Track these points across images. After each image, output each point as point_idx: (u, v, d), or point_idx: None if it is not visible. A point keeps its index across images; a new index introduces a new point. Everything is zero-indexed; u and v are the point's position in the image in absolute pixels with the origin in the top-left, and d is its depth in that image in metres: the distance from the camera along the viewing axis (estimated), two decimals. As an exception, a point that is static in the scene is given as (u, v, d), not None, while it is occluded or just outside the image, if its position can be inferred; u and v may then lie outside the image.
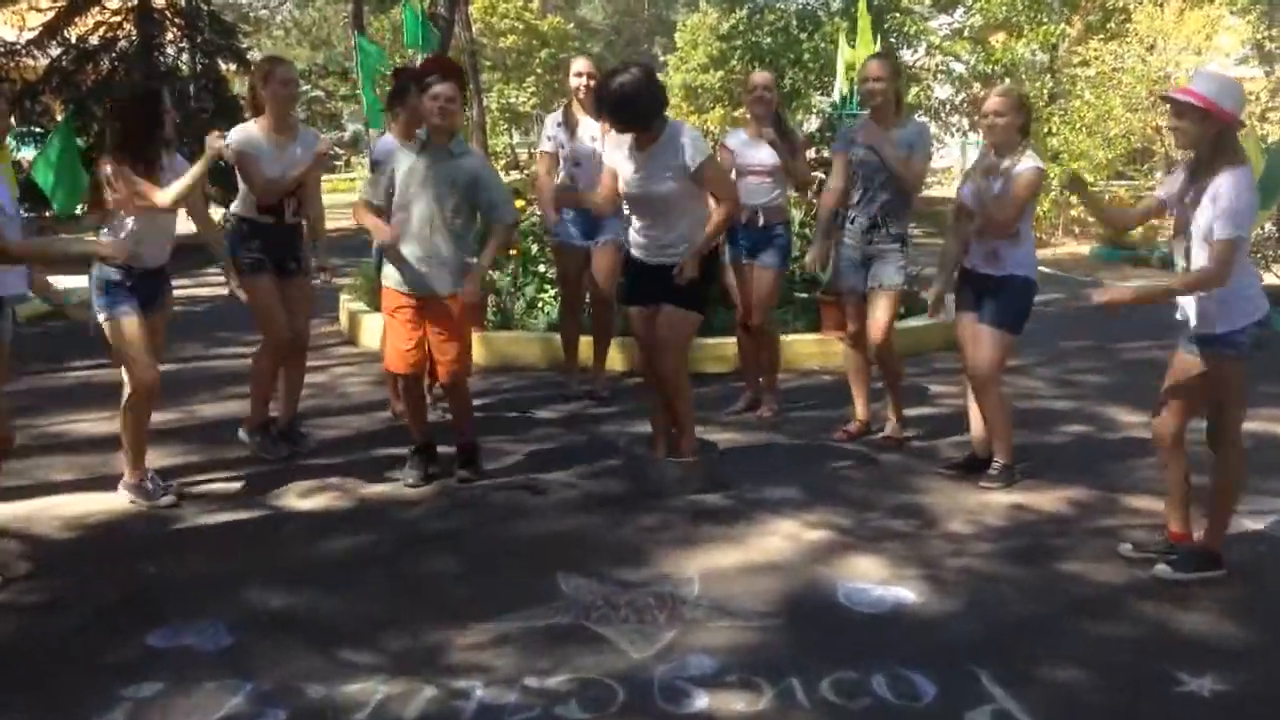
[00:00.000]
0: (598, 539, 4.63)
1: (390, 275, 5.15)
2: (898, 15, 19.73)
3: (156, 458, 5.33)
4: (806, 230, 8.80)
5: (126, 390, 4.89)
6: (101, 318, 4.82)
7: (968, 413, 5.51)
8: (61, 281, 6.54)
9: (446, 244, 5.05)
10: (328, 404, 6.77)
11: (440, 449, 5.41)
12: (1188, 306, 4.15)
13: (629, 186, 5.07)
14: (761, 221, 6.25)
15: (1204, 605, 3.99)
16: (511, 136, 36.70)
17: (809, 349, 7.78)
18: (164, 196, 4.77)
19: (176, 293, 10.10)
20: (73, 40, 15.04)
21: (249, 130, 5.42)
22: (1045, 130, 16.96)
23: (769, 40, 20.87)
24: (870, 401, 6.13)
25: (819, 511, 4.95)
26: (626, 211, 5.26)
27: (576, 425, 6.37)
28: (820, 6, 22.17)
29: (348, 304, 9.02)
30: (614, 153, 5.13)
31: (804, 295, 8.17)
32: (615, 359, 7.34)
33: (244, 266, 5.45)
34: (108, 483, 5.10)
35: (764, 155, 6.22)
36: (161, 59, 15.31)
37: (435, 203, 5.01)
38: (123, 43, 15.17)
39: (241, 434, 5.69)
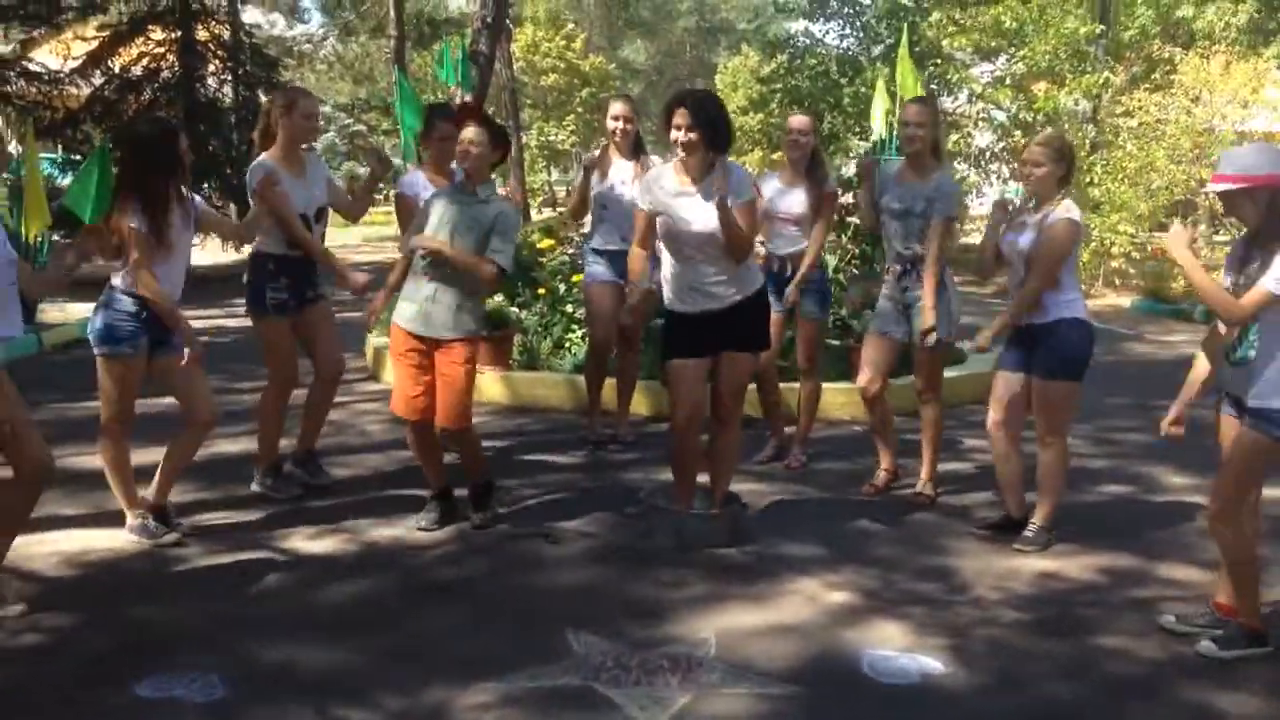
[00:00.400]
0: (612, 593, 4.46)
1: (400, 313, 5.02)
2: (939, 62, 19.59)
3: (172, 493, 5.21)
4: (840, 276, 8.66)
5: (102, 436, 4.77)
6: (98, 352, 4.69)
7: (996, 473, 5.30)
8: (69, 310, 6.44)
9: (460, 287, 4.93)
10: (346, 441, 6.65)
11: (458, 491, 5.25)
12: (1245, 378, 3.93)
13: (681, 224, 4.77)
14: (790, 271, 6.09)
15: (1251, 686, 3.76)
16: (550, 174, 36.87)
17: (839, 399, 7.58)
18: (147, 287, 4.59)
19: (204, 323, 10.30)
20: (116, 70, 15.19)
21: (270, 167, 5.31)
22: (1087, 180, 16.72)
23: (809, 84, 20.78)
24: (898, 454, 5.93)
25: (843, 571, 4.75)
26: (667, 259, 4.96)
27: (598, 471, 6.20)
28: (862, 52, 22.07)
29: (373, 339, 8.91)
30: (653, 193, 4.83)
31: (836, 343, 7.98)
32: (640, 403, 7.18)
33: (269, 307, 5.35)
34: (114, 519, 4.97)
35: (794, 202, 6.07)
36: (203, 90, 15.41)
37: (456, 241, 4.90)
38: (165, 74, 15.29)
39: (254, 485, 5.57)
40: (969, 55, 20.30)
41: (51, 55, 15.26)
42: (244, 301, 5.46)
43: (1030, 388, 5.06)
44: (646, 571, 4.69)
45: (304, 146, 5.51)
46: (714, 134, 4.67)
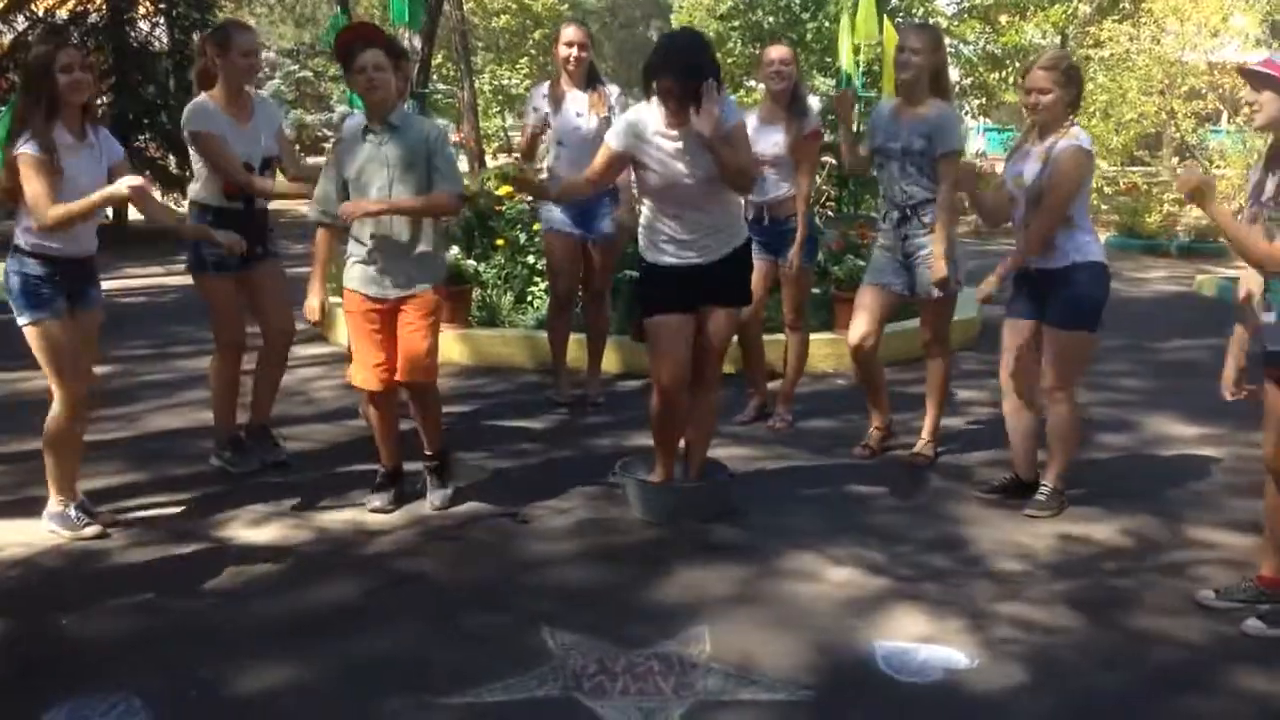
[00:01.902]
0: (590, 583, 3.98)
1: (351, 275, 4.49)
2: (904, -7, 19.01)
3: (91, 477, 4.68)
4: (816, 219, 8.16)
5: (55, 406, 4.21)
6: (22, 321, 4.13)
7: (1007, 429, 4.88)
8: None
9: (406, 235, 4.41)
10: (292, 410, 6.09)
11: (410, 467, 4.76)
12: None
13: (668, 176, 4.31)
14: (768, 218, 5.60)
15: (1310, 672, 3.37)
16: (505, 119, 35.94)
17: (822, 350, 7.12)
18: (41, 215, 3.97)
19: (140, 281, 9.67)
20: (40, 14, 14.29)
21: (206, 108, 4.74)
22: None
23: (770, 20, 20.11)
24: (889, 408, 5.50)
25: (844, 544, 4.32)
26: (648, 209, 4.48)
27: (567, 437, 5.71)
28: (824, -16, 21.36)
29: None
30: (632, 137, 4.34)
31: (816, 290, 7.50)
32: (609, 360, 6.69)
33: (208, 263, 4.80)
34: (31, 507, 4.42)
35: (771, 143, 5.56)
36: (133, 35, 14.55)
37: (388, 189, 4.36)
38: (93, 17, 14.41)
39: (213, 459, 5.05)
40: (935, -14, 19.73)
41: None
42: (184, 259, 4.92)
43: (1040, 336, 4.63)
44: (628, 555, 4.23)
45: (249, 89, 4.93)
46: (708, 78, 4.17)
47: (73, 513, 4.27)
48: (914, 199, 5.07)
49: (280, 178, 5.01)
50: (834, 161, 10.39)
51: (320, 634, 3.55)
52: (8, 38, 14.20)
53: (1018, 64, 17.32)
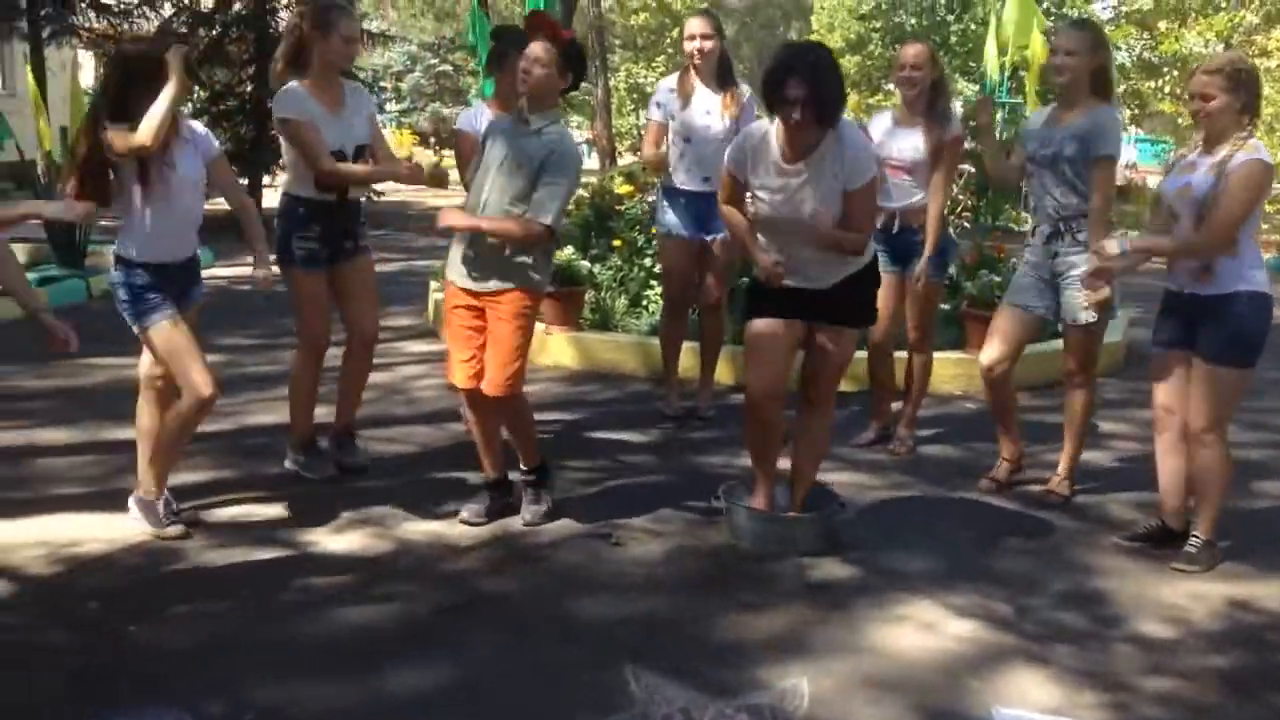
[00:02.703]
0: (681, 617, 3.67)
1: (451, 263, 4.28)
2: (1057, -4, 18.22)
3: (181, 471, 4.56)
4: (950, 230, 7.70)
5: (182, 401, 4.08)
6: (137, 329, 4.06)
7: (1157, 469, 4.41)
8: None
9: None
10: (390, 410, 5.94)
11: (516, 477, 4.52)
12: None
13: (768, 205, 4.00)
14: (897, 227, 5.21)
15: None
16: (639, 117, 35.87)
17: (949, 370, 6.69)
18: (139, 136, 3.83)
19: (228, 271, 9.70)
20: (186, 2, 14.60)
21: (297, 93, 4.55)
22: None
23: (913, 22, 19.53)
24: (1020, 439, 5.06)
25: (964, 592, 3.92)
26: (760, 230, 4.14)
27: (672, 453, 5.41)
28: (972, -15, 20.65)
29: (435, 292, 8.19)
30: (748, 164, 3.99)
31: (945, 306, 7.06)
32: (724, 371, 6.37)
33: (296, 257, 4.64)
34: (118, 500, 4.31)
35: (908, 147, 5.19)
36: (276, 25, 14.77)
37: (500, 182, 4.12)
38: (238, 5, 14.67)
39: (287, 462, 4.90)
40: (1089, -11, 18.86)
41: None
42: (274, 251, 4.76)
43: (1190, 368, 4.17)
44: (725, 588, 3.90)
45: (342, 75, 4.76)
46: (828, 109, 3.79)
47: (160, 508, 4.15)
48: (1067, 211, 4.63)
49: (366, 170, 4.76)
50: (972, 169, 9.90)
51: (387, 655, 3.31)
52: (155, 25, 14.54)
53: (1175, 73, 16.39)
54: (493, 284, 4.16)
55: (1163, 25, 18.15)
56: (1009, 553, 4.33)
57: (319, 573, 3.90)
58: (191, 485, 4.61)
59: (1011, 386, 4.96)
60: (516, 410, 4.35)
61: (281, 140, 4.70)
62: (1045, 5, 17.16)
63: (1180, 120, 16.23)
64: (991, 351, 4.83)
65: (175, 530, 4.12)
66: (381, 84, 31.56)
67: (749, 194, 4.10)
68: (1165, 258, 4.23)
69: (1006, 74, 15.42)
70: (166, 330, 4.01)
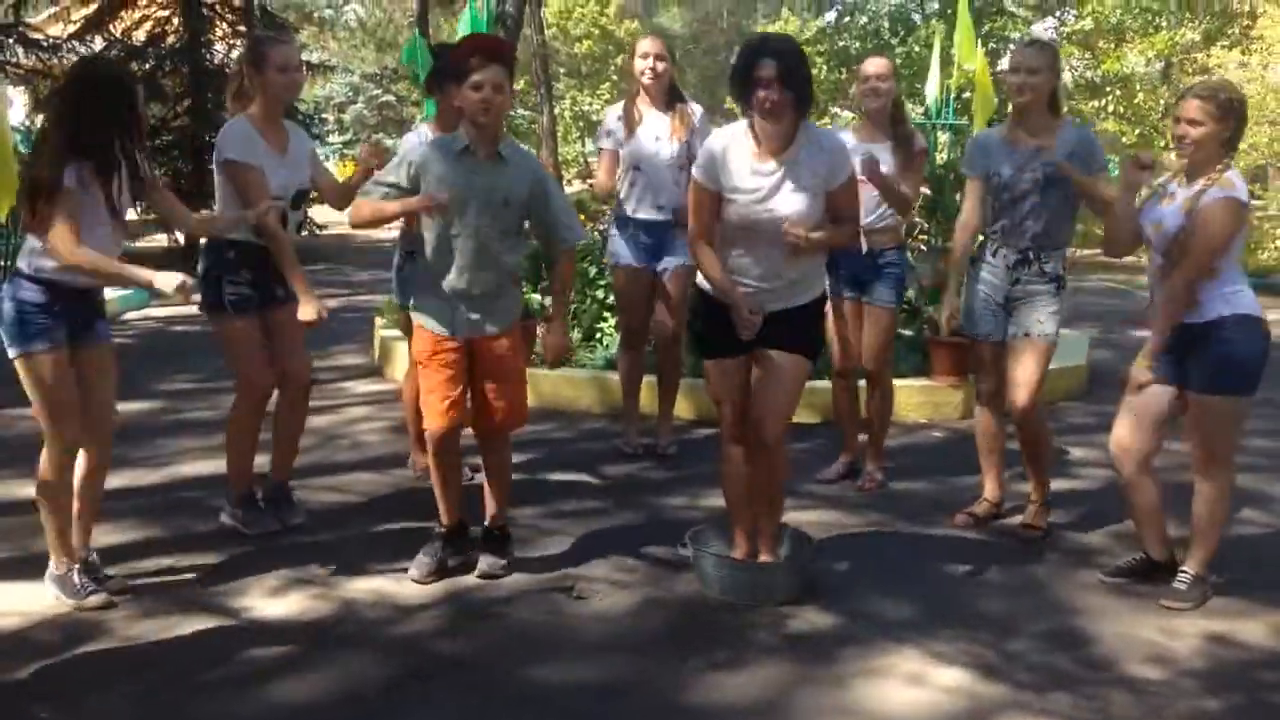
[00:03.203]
0: (652, 681, 3.40)
1: (426, 315, 4.03)
2: (998, 18, 18.28)
3: (106, 531, 4.23)
4: (909, 254, 7.54)
5: (44, 452, 3.76)
6: (12, 353, 3.67)
7: (1129, 505, 4.23)
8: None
9: (497, 273, 3.95)
10: (333, 456, 5.63)
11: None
12: None
13: (744, 208, 3.74)
14: (865, 247, 5.01)
15: None
16: (584, 145, 35.72)
17: (915, 399, 6.50)
18: (72, 254, 3.52)
19: (164, 311, 9.30)
20: (117, 35, 14.19)
21: (246, 132, 4.27)
22: (1161, 145, 15.49)
23: (857, 45, 19.55)
24: (1002, 474, 4.85)
25: (949, 638, 3.70)
26: (726, 242, 3.87)
27: (633, 494, 5.15)
28: (915, 8, 20.74)
29: (380, 329, 7.89)
30: (718, 171, 3.74)
31: (909, 333, 6.89)
32: (684, 406, 6.13)
33: (228, 304, 4.33)
34: (38, 567, 3.96)
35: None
36: (209, 56, 14.41)
37: (485, 223, 3.88)
38: (170, 38, 14.29)
39: (223, 517, 4.58)
40: (1030, 10, 18.97)
41: (51, 22, 14.29)
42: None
43: (1184, 402, 3.99)
44: (695, 644, 3.64)
45: (284, 116, 4.49)
46: (801, 86, 3.60)
47: (76, 579, 3.81)
48: (1043, 241, 4.45)
49: (301, 273, 4.38)
50: (929, 191, 9.78)
51: (332, 739, 3.02)
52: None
53: (1118, 92, 16.49)
54: (490, 329, 4.00)
55: (1102, 44, 18.31)
56: (991, 592, 4.11)
57: (255, 643, 3.58)
58: (119, 546, 4.28)
59: (1002, 422, 4.75)
60: (508, 450, 4.28)
61: (216, 178, 4.40)
62: (987, 28, 17.21)
63: (1124, 139, 16.31)
64: (985, 384, 4.67)
65: (96, 600, 3.78)
66: (324, 115, 31.16)
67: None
68: (1167, 327, 3.97)
69: (952, 95, 15.38)
70: (46, 365, 3.63)
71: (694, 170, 3.88)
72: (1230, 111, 3.85)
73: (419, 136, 4.92)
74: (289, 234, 4.40)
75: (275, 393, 4.53)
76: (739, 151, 3.73)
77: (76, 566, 3.83)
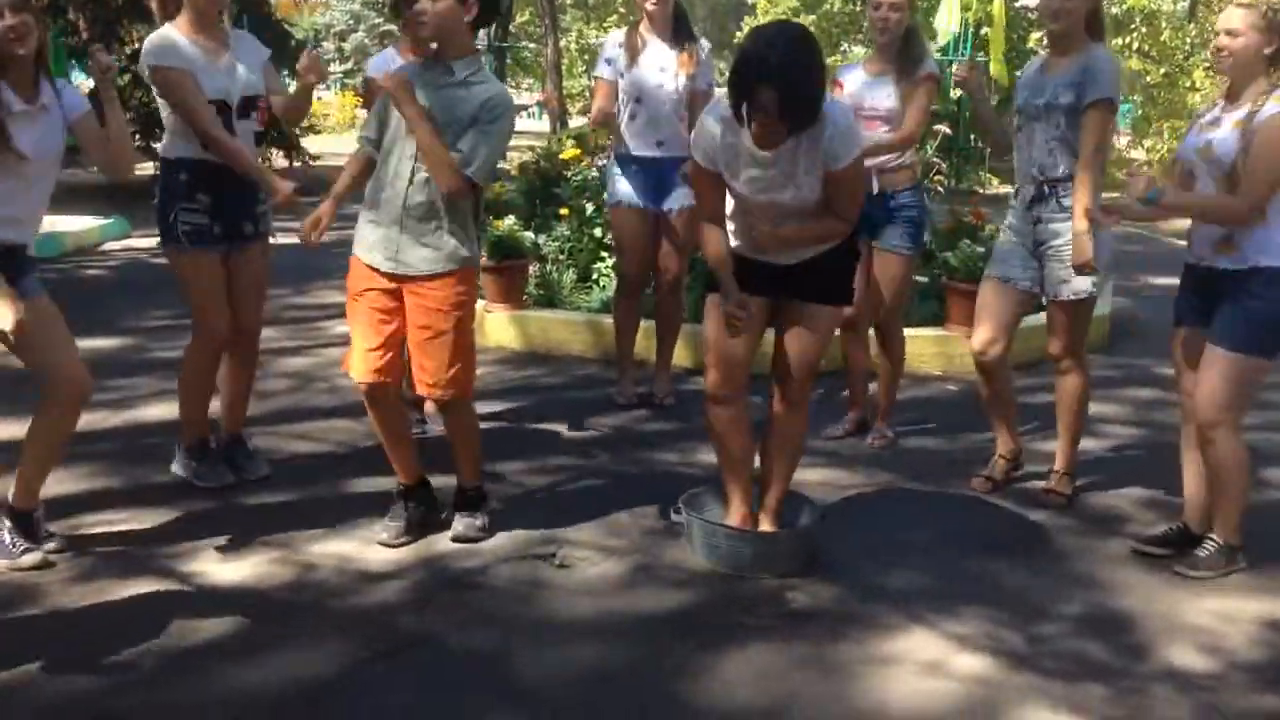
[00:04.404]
0: (641, 665, 3.06)
1: (361, 239, 3.62)
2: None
3: (55, 479, 3.87)
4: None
5: None
6: None
7: (1182, 463, 3.88)
8: None
9: (435, 204, 3.51)
10: (307, 401, 5.26)
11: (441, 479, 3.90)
12: None
13: (743, 196, 3.40)
14: (876, 188, 4.61)
15: None
16: (590, 79, 35.08)
17: (928, 349, 6.12)
18: None
19: (145, 243, 8.91)
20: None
21: (168, 38, 3.86)
22: (1186, 84, 14.95)
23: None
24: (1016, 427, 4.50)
25: (969, 618, 3.36)
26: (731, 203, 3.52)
27: (626, 448, 4.79)
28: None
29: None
30: (717, 150, 3.35)
31: (923, 279, 6.48)
32: (683, 355, 5.76)
33: (181, 234, 3.94)
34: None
35: (884, 95, 4.64)
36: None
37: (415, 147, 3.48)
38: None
39: (174, 467, 4.23)
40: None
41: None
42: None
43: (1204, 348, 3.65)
44: (689, 622, 3.30)
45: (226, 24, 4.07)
46: (801, 117, 3.16)
47: (7, 537, 3.47)
48: (1054, 173, 4.04)
49: (254, 161, 4.03)
50: (948, 130, 9.36)
51: (277, 729, 2.69)
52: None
53: (1143, 29, 15.90)
54: (420, 265, 3.53)
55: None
56: (1013, 566, 3.76)
57: (203, 613, 3.23)
58: (67, 497, 3.94)
59: (1008, 372, 4.40)
60: (464, 415, 3.78)
61: (157, 97, 3.99)
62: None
63: (1147, 77, 15.74)
64: (982, 333, 4.25)
65: (31, 560, 3.44)
66: (323, 43, 30.46)
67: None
68: (1192, 218, 3.69)
69: (970, 29, 14.86)
70: None
71: (692, 147, 3.48)
72: (1274, 28, 3.49)
73: (385, 60, 4.51)
74: (248, 146, 4.01)
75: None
76: (735, 139, 3.31)
77: (8, 525, 3.48)
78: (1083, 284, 4.04)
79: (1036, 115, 4.06)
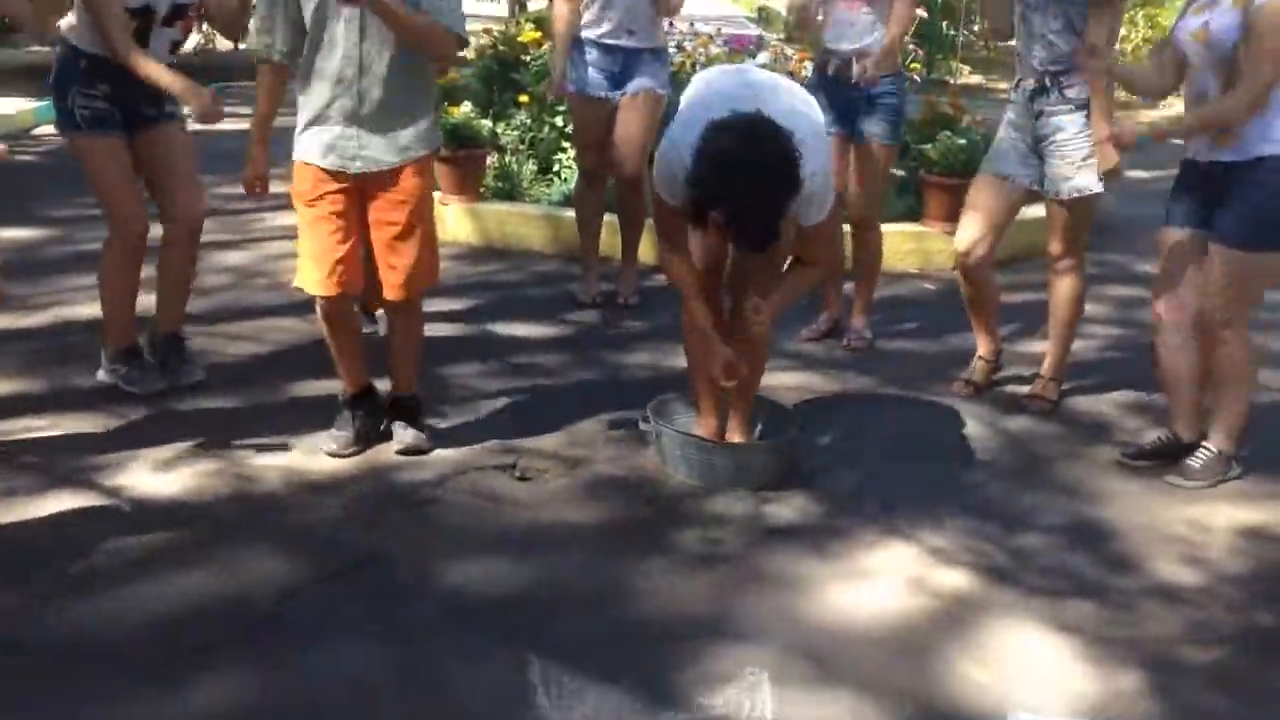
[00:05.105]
0: (604, 585, 2.86)
1: (308, 145, 3.27)
2: None
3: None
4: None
5: None
6: None
7: (1161, 374, 3.70)
8: None
9: (393, 90, 3.18)
10: (247, 299, 4.94)
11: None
12: None
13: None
14: (855, 76, 4.32)
15: None
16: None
17: (904, 245, 5.88)
18: None
19: None
20: None
21: None
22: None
23: None
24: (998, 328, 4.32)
25: (950, 531, 3.20)
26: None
27: (590, 350, 4.55)
28: None
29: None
30: (673, 185, 3.07)
31: (900, 173, 6.20)
32: (650, 252, 5.48)
33: (80, 119, 3.61)
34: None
35: None
36: None
37: (378, 28, 3.12)
38: None
39: (101, 373, 3.93)
40: None
41: None
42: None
43: (1207, 250, 3.43)
44: (657, 540, 3.10)
45: None
46: (758, 241, 2.97)
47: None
48: (1057, 63, 3.78)
49: (165, 74, 3.58)
50: (923, 14, 9.00)
51: (213, 668, 2.45)
52: None
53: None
54: (389, 157, 3.24)
55: None
56: (995, 475, 3.59)
57: (131, 529, 2.98)
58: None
59: (992, 273, 4.18)
60: (419, 317, 3.57)
61: None
62: None
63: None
64: (967, 232, 4.02)
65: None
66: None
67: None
68: (1194, 136, 3.45)
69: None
70: None
71: (655, 180, 3.20)
72: None
73: None
74: (160, 55, 3.64)
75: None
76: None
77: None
78: (1086, 180, 3.80)
79: (1037, 5, 3.79)
